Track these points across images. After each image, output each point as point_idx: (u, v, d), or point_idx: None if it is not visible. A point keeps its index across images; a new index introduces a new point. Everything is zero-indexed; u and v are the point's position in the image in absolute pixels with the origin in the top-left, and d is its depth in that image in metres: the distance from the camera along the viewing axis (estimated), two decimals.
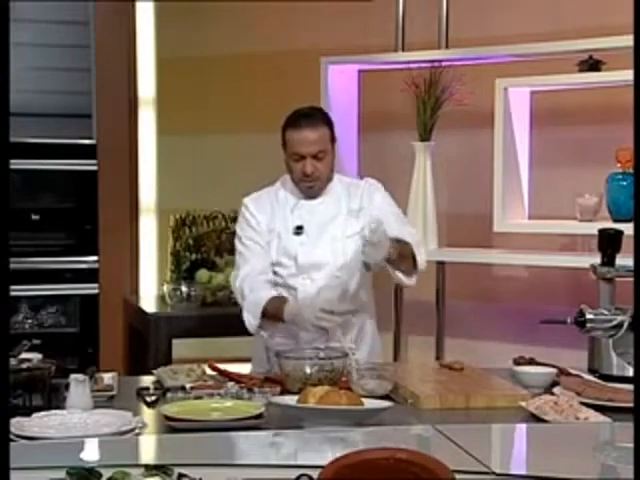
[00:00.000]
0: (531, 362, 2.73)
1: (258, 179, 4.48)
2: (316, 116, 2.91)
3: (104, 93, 4.46)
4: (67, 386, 2.25)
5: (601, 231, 2.79)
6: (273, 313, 2.81)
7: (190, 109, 4.56)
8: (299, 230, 2.93)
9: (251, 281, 2.88)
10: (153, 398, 2.38)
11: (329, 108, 4.05)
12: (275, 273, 2.94)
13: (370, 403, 2.23)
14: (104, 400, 2.34)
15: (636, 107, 2.21)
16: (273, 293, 2.86)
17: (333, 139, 2.93)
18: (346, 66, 4.09)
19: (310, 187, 2.92)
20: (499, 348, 3.73)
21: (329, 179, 2.96)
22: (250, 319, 2.85)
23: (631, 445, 2.06)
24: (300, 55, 4.31)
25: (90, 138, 4.45)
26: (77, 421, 2.10)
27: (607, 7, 3.72)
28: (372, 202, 2.96)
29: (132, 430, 2.04)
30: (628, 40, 3.42)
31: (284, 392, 2.41)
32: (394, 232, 2.77)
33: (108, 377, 2.50)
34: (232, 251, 4.34)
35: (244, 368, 2.94)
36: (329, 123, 2.92)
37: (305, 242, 2.92)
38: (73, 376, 2.24)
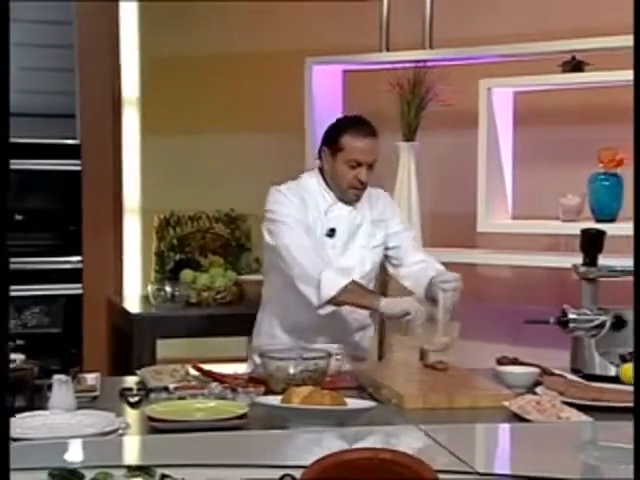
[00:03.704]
0: (514, 362, 2.74)
1: (243, 179, 4.50)
2: (371, 125, 2.95)
3: (88, 93, 4.44)
4: (50, 387, 2.25)
5: (583, 231, 2.80)
6: (357, 297, 2.78)
7: (174, 109, 4.55)
8: (332, 233, 2.94)
9: (320, 260, 2.82)
10: (136, 399, 2.37)
11: (314, 108, 4.06)
12: None
13: (353, 403, 2.23)
14: (87, 401, 2.33)
15: (636, 107, 2.22)
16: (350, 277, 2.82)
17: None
18: (331, 66, 4.09)
19: (357, 195, 2.95)
20: (483, 348, 3.74)
21: None
22: (325, 292, 2.77)
23: (613, 444, 2.08)
24: (285, 55, 4.31)
25: (74, 138, 4.43)
26: (60, 422, 2.10)
27: (590, 8, 3.74)
28: (393, 218, 3.02)
29: (115, 431, 2.04)
30: (611, 41, 3.45)
31: (268, 392, 2.40)
32: (430, 272, 2.86)
33: (91, 378, 2.49)
34: (216, 251, 4.38)
35: (228, 368, 2.93)
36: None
37: (336, 246, 2.95)
38: (56, 377, 2.24)
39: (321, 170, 3.00)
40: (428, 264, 2.96)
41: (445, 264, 3.93)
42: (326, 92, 4.10)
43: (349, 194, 2.94)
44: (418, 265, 2.97)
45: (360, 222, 2.98)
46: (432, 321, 2.59)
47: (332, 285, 2.77)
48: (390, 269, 3.08)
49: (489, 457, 2.09)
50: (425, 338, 2.53)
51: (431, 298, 2.82)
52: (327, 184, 2.97)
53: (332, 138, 2.92)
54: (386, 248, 3.03)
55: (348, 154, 2.88)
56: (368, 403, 2.25)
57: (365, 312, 3.00)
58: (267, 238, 2.93)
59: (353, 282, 2.81)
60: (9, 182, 1.82)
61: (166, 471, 1.69)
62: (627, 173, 3.48)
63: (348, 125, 2.92)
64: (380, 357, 4.01)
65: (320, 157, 2.99)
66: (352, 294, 2.80)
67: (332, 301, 2.80)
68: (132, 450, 2.02)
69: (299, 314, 2.93)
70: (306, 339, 2.91)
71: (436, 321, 2.67)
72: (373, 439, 2.04)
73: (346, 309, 2.90)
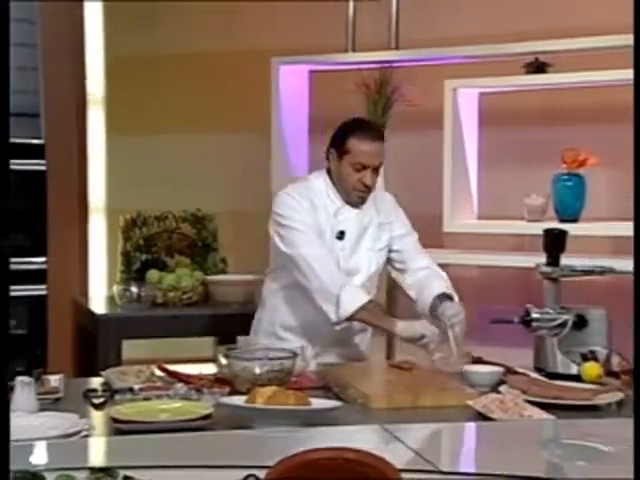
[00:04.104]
0: (479, 361, 2.76)
1: (209, 179, 4.49)
2: (378, 129, 2.99)
3: (52, 92, 4.40)
4: (12, 389, 2.23)
5: (546, 231, 2.83)
6: (373, 317, 2.81)
7: (140, 109, 4.53)
8: (341, 235, 2.95)
9: (339, 274, 2.85)
10: (101, 400, 2.36)
11: (280, 108, 4.06)
12: None
13: (318, 403, 2.24)
14: (50, 402, 2.31)
15: (636, 107, 2.24)
16: (369, 295, 2.85)
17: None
18: (297, 66, 4.09)
19: (363, 198, 2.96)
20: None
21: None
22: (345, 309, 2.79)
23: (575, 442, 2.11)
24: (251, 55, 4.30)
25: (39, 138, 4.39)
26: (23, 424, 2.08)
27: (555, 10, 3.78)
28: (398, 220, 3.04)
29: (78, 432, 2.02)
30: (574, 43, 3.49)
31: (233, 392, 2.40)
32: (434, 286, 2.89)
33: (55, 379, 2.47)
34: (182, 251, 4.36)
35: (194, 369, 2.92)
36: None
37: (345, 248, 2.96)
38: (19, 378, 2.22)
39: (329, 171, 3.00)
40: (431, 272, 2.99)
41: None
42: (292, 92, 4.10)
43: (353, 197, 2.95)
44: (422, 272, 2.99)
45: (367, 224, 2.99)
46: (443, 340, 2.65)
47: (351, 303, 2.80)
48: (393, 273, 3.10)
49: (453, 456, 2.11)
50: (441, 361, 2.64)
51: (435, 315, 2.84)
52: (334, 186, 2.98)
53: (339, 140, 2.93)
54: (389, 251, 3.04)
55: (354, 157, 2.89)
56: (333, 403, 2.26)
57: None
58: (278, 243, 2.93)
59: (371, 302, 2.84)
60: (9, 182, 1.81)
61: (130, 473, 1.68)
62: (591, 174, 3.52)
63: (355, 128, 2.93)
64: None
65: (327, 158, 3.00)
66: (370, 313, 2.83)
67: (350, 319, 2.83)
68: (95, 452, 2.01)
69: (302, 314, 2.95)
70: (307, 338, 2.93)
71: (449, 346, 2.70)
72: (338, 439, 2.04)
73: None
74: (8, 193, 1.80)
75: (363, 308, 2.80)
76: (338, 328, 2.85)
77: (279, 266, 3.00)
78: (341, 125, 2.99)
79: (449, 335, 2.71)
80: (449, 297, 2.87)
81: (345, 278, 2.87)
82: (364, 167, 2.89)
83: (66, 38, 4.51)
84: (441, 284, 2.94)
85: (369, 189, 2.94)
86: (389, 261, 3.07)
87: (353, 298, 2.80)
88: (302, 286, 2.87)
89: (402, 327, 2.78)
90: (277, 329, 3.01)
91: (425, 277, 2.97)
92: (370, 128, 2.96)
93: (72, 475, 1.64)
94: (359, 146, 2.89)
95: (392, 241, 3.04)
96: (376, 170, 2.93)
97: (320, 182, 2.99)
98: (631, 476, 1.70)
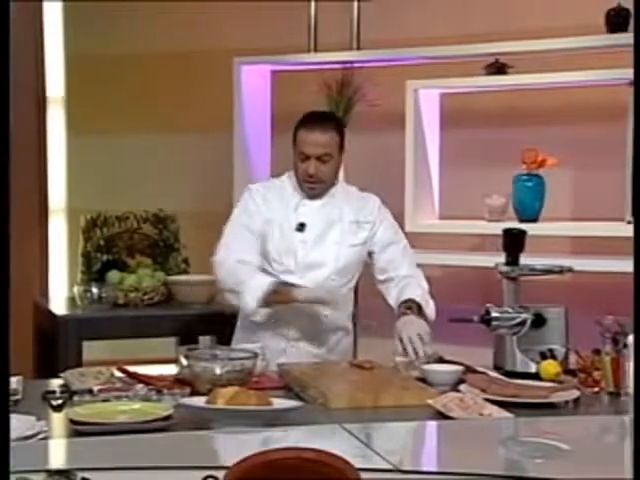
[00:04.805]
0: (439, 360, 2.77)
1: (171, 179, 4.47)
2: (328, 120, 2.97)
3: (12, 91, 4.36)
4: None
5: (505, 231, 2.85)
6: (282, 296, 2.82)
7: (100, 108, 4.50)
8: (301, 227, 2.94)
9: (247, 267, 2.88)
10: (59, 402, 2.33)
11: (242, 108, 4.05)
12: (270, 269, 2.94)
13: (279, 403, 2.24)
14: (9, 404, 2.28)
15: (636, 107, 2.25)
16: (273, 278, 2.86)
17: (341, 146, 2.95)
18: (259, 66, 4.09)
19: (311, 188, 2.94)
20: None
21: (332, 184, 2.98)
22: (250, 301, 2.82)
23: (532, 439, 2.13)
24: (213, 55, 4.29)
25: None
26: None
27: (515, 11, 3.81)
28: (382, 225, 3.01)
29: (35, 435, 2.00)
30: (535, 44, 3.52)
31: (194, 393, 2.39)
32: (406, 293, 2.89)
33: (13, 381, 2.44)
34: (144, 252, 4.33)
35: (156, 370, 2.91)
36: (340, 129, 2.97)
37: (306, 240, 2.94)
38: None
39: None
40: (410, 281, 2.95)
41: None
42: (254, 92, 4.10)
43: (304, 188, 2.95)
44: (404, 280, 2.96)
45: (335, 219, 2.97)
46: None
47: (254, 293, 2.82)
48: (378, 285, 3.04)
49: (413, 455, 2.12)
50: (402, 364, 2.69)
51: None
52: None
53: (293, 134, 2.95)
54: (370, 253, 3.01)
55: (298, 147, 2.91)
56: (293, 403, 2.26)
57: (343, 316, 3.03)
58: None
59: (276, 282, 2.84)
60: (9, 182, 1.80)
61: (88, 475, 1.67)
62: (550, 174, 3.55)
63: (302, 119, 2.94)
64: None
65: None
66: (277, 294, 2.83)
67: (260, 305, 2.84)
68: (54, 454, 2.00)
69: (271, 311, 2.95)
70: (282, 335, 2.94)
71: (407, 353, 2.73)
72: (298, 439, 2.05)
73: (318, 308, 2.91)
74: (8, 193, 1.79)
75: (268, 292, 2.81)
76: (257, 319, 2.91)
77: None
78: None
79: (406, 346, 2.70)
80: (418, 304, 2.86)
81: (249, 271, 2.87)
82: (307, 157, 2.90)
83: (25, 37, 4.47)
84: (414, 292, 2.90)
85: (315, 179, 2.92)
86: (373, 267, 3.03)
87: (256, 287, 2.82)
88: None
89: (301, 291, 2.81)
90: (249, 324, 3.02)
91: (403, 286, 2.94)
92: (315, 118, 2.94)
93: (30, 478, 1.63)
94: (301, 136, 2.91)
95: (374, 245, 3.00)
96: (322, 160, 2.90)
97: (285, 177, 3.02)
98: (616, 475, 1.72)
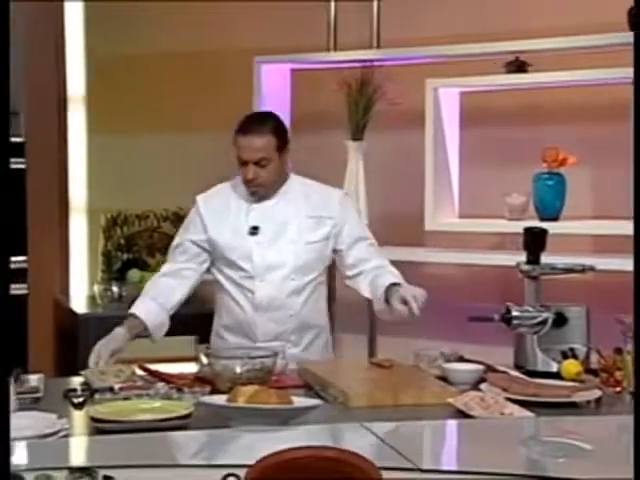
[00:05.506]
0: (460, 359, 2.76)
1: (189, 178, 4.47)
2: (264, 123, 2.90)
3: (33, 91, 4.38)
4: None
5: (526, 230, 2.84)
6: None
7: (121, 108, 4.51)
8: (254, 230, 2.92)
9: (153, 288, 2.98)
10: (80, 399, 2.35)
11: (262, 108, 4.06)
12: (230, 275, 2.94)
13: (299, 402, 2.23)
14: (29, 402, 2.30)
15: (636, 107, 2.24)
16: (148, 308, 2.94)
17: (281, 147, 2.90)
18: (279, 66, 4.09)
19: (253, 192, 2.93)
20: (429, 345, 3.76)
21: (277, 184, 2.94)
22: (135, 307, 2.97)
23: (553, 439, 2.12)
24: (233, 54, 4.30)
25: (19, 136, 4.36)
26: None
27: (534, 9, 3.79)
28: (346, 221, 2.98)
29: (56, 433, 2.01)
30: (554, 42, 3.50)
31: (214, 392, 2.40)
32: (384, 280, 2.86)
33: (34, 379, 2.46)
34: (163, 250, 4.34)
35: (175, 368, 2.92)
36: (278, 131, 2.91)
37: (261, 242, 2.92)
38: None
39: None
40: (383, 270, 2.92)
41: (393, 262, 3.96)
42: (275, 91, 4.09)
43: (248, 191, 2.94)
44: (375, 271, 2.93)
45: (287, 217, 2.94)
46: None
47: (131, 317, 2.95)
48: (347, 282, 3.02)
49: (433, 454, 2.12)
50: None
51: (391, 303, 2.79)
52: None
53: (233, 138, 2.94)
54: (335, 251, 2.98)
55: (236, 152, 2.90)
56: (314, 401, 2.26)
57: (314, 313, 3.00)
58: None
59: (132, 316, 2.93)
60: (9, 182, 1.81)
61: (109, 472, 1.68)
62: (571, 172, 3.54)
63: (239, 124, 2.92)
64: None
65: None
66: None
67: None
68: (75, 451, 2.01)
69: (234, 314, 2.96)
70: (250, 339, 2.92)
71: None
72: (318, 437, 2.05)
73: (281, 306, 2.91)
74: (9, 194, 1.80)
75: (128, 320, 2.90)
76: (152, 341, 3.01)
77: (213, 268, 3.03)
78: None
79: (410, 302, 2.68)
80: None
81: (149, 290, 2.98)
82: (245, 162, 2.88)
83: (47, 37, 4.49)
84: (392, 278, 2.87)
85: (255, 183, 2.89)
86: (340, 264, 3.00)
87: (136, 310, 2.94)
88: (225, 288, 2.97)
89: (102, 341, 2.82)
90: (219, 329, 3.03)
91: (376, 275, 2.91)
92: (251, 122, 2.91)
93: (51, 475, 1.64)
94: (238, 141, 2.89)
95: (339, 243, 2.97)
96: (259, 164, 2.86)
97: (236, 182, 2.99)
98: (618, 475, 1.71)
